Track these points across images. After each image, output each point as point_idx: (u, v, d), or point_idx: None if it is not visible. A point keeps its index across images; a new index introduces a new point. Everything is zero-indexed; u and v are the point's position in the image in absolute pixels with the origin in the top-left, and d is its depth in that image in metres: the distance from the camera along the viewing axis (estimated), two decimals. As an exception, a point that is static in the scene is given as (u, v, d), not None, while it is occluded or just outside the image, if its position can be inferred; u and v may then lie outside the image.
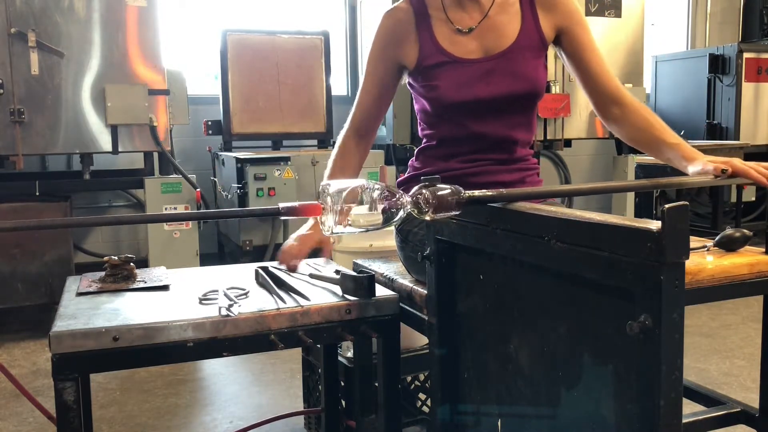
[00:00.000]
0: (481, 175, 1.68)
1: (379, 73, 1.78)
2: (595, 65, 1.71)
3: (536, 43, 1.69)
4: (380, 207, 1.12)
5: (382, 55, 1.77)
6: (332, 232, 1.14)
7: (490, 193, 1.17)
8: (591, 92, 1.73)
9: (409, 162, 1.85)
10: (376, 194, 1.13)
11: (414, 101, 1.80)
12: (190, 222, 3.85)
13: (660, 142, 1.64)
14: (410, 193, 1.13)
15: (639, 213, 4.90)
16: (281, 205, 1.13)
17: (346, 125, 1.85)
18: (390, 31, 1.75)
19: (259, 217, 4.14)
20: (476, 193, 1.15)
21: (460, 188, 1.14)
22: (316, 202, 1.15)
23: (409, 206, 1.13)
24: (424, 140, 1.80)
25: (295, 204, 1.13)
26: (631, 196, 5.04)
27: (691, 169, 1.54)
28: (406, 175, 1.85)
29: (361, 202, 1.13)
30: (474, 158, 1.70)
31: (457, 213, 1.14)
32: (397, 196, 1.13)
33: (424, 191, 1.12)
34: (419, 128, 1.83)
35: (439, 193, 1.12)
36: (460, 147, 1.71)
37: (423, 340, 1.82)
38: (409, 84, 1.78)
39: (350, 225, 1.14)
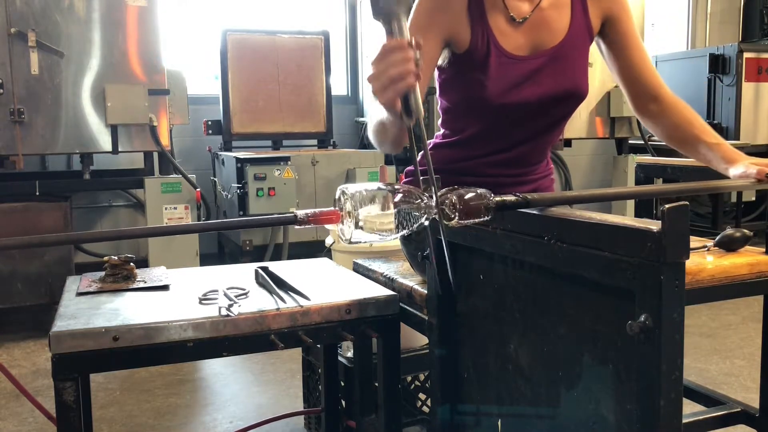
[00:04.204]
0: (494, 187, 1.60)
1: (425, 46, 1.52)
2: (636, 57, 1.61)
3: (585, 38, 1.59)
4: (403, 212, 1.03)
5: (429, 22, 1.49)
6: (351, 241, 1.05)
7: (520, 199, 1.08)
8: (629, 85, 1.63)
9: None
10: (398, 198, 1.04)
11: (440, 91, 1.64)
12: (189, 221, 3.85)
13: (698, 141, 1.55)
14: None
15: (639, 213, 4.90)
16: (298, 212, 1.05)
17: None
18: None
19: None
20: (505, 198, 1.07)
21: (489, 192, 1.05)
22: (333, 208, 1.06)
23: (434, 211, 1.04)
24: (444, 132, 1.67)
25: (312, 211, 1.05)
26: (631, 196, 5.04)
27: (732, 171, 1.46)
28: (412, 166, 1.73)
29: (382, 207, 1.03)
30: (489, 172, 1.61)
31: (486, 219, 1.05)
32: (421, 200, 1.04)
33: (450, 195, 1.03)
34: (440, 119, 1.69)
35: (467, 197, 1.03)
36: (482, 148, 1.61)
37: (423, 340, 1.82)
38: (441, 69, 1.60)
39: (371, 232, 1.04)
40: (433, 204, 1.03)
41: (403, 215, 1.04)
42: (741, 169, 1.44)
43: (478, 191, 1.04)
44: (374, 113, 1.38)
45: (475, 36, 1.51)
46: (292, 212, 1.06)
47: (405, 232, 1.04)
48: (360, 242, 1.05)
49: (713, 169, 1.56)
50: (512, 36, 1.54)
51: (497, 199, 1.05)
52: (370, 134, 1.44)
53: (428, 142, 1.76)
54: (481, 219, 1.04)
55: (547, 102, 1.55)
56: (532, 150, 1.63)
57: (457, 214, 1.02)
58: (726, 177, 1.50)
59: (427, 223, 1.04)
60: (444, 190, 1.04)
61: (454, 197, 1.03)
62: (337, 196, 1.05)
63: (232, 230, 4.51)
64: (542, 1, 1.55)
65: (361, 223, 1.03)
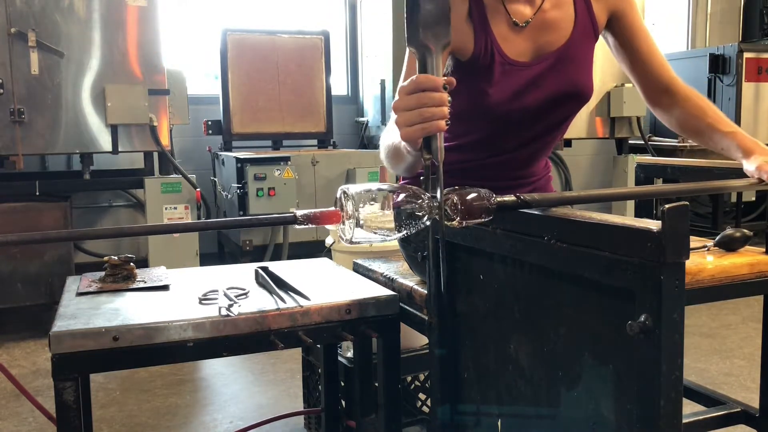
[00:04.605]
0: (492, 188, 1.57)
1: None
2: (645, 51, 1.59)
3: (589, 37, 1.57)
4: (404, 212, 1.03)
5: None
6: (352, 241, 1.04)
7: (521, 199, 1.08)
8: (639, 79, 1.62)
9: None
10: (399, 198, 1.03)
11: None
12: (190, 221, 3.85)
13: (712, 130, 1.52)
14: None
15: (639, 213, 4.90)
16: (298, 212, 1.05)
17: None
18: None
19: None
20: (506, 198, 1.06)
21: (490, 192, 1.05)
22: (334, 209, 1.05)
23: (435, 212, 1.03)
24: (444, 136, 1.67)
25: (312, 211, 1.05)
26: (631, 196, 5.04)
27: (746, 165, 1.42)
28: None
29: (383, 207, 1.03)
30: (488, 174, 1.59)
31: (488, 220, 1.05)
32: (423, 200, 1.03)
33: (451, 196, 1.02)
34: None
35: (468, 197, 1.02)
36: (482, 152, 1.60)
37: (423, 340, 1.82)
38: (445, 76, 1.58)
39: (372, 232, 1.03)
40: (436, 204, 1.03)
41: (405, 216, 1.03)
42: (754, 164, 1.40)
43: (480, 192, 1.04)
44: (389, 136, 1.35)
45: (478, 44, 1.49)
46: (292, 212, 1.06)
47: (406, 232, 1.04)
48: (361, 243, 1.05)
49: (728, 158, 1.52)
50: (515, 41, 1.51)
51: (498, 199, 1.05)
52: (383, 156, 1.42)
53: None
54: (482, 220, 1.04)
55: (551, 105, 1.54)
56: (533, 152, 1.63)
57: (458, 214, 1.02)
58: (739, 168, 1.45)
59: (429, 223, 1.04)
60: (446, 190, 1.03)
61: (456, 198, 1.02)
62: (338, 196, 1.05)
63: (232, 230, 4.51)
64: (544, 2, 1.53)
65: (362, 224, 1.02)
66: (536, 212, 1.10)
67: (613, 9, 1.59)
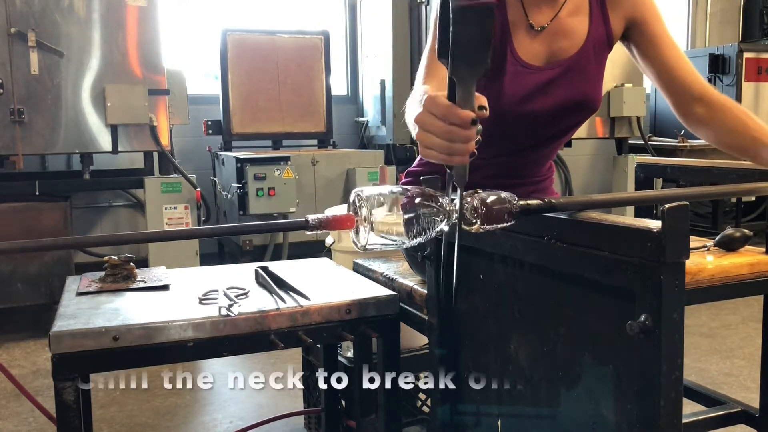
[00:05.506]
0: (493, 188, 1.54)
1: None
2: (671, 59, 1.53)
3: (603, 47, 1.53)
4: (421, 216, 0.98)
5: None
6: (366, 247, 0.99)
7: (545, 203, 1.02)
8: (668, 90, 1.54)
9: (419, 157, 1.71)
10: (416, 202, 0.99)
11: None
12: (189, 221, 3.85)
13: (759, 145, 1.43)
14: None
15: (639, 213, 4.90)
16: (310, 217, 1.00)
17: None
18: None
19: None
20: (530, 202, 1.01)
21: (512, 196, 0.99)
22: (347, 212, 1.00)
23: (454, 216, 0.98)
24: None
25: (325, 215, 1.00)
26: (631, 196, 5.03)
27: None
28: (415, 166, 1.74)
29: (398, 211, 0.97)
30: (489, 174, 1.56)
31: (510, 224, 0.98)
32: (440, 204, 0.98)
33: (470, 199, 0.97)
34: None
35: (489, 200, 0.97)
36: (485, 153, 1.56)
37: (423, 340, 1.82)
38: None
39: (387, 237, 0.98)
40: (455, 208, 0.98)
41: (422, 220, 0.98)
42: None
43: (501, 195, 0.98)
44: (412, 111, 1.32)
45: (494, 39, 1.45)
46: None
47: (423, 237, 0.99)
48: (378, 246, 1.00)
49: None
50: (530, 44, 1.50)
51: (521, 203, 1.00)
52: (409, 121, 1.38)
53: None
54: (505, 224, 0.98)
55: (558, 113, 1.53)
56: (537, 156, 1.62)
57: (479, 218, 0.97)
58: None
59: (447, 228, 0.99)
60: (464, 193, 0.99)
61: (476, 201, 0.97)
62: (351, 200, 1.00)
63: (232, 230, 4.50)
64: (562, 9, 1.50)
65: (377, 229, 0.98)
66: (536, 212, 1.10)
67: (631, 17, 1.54)
